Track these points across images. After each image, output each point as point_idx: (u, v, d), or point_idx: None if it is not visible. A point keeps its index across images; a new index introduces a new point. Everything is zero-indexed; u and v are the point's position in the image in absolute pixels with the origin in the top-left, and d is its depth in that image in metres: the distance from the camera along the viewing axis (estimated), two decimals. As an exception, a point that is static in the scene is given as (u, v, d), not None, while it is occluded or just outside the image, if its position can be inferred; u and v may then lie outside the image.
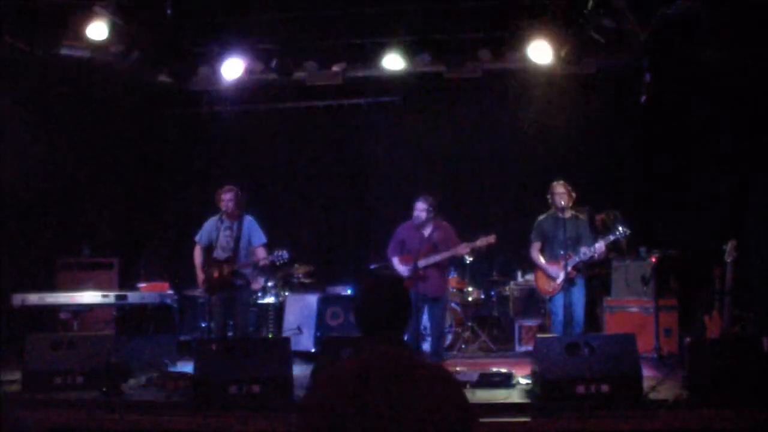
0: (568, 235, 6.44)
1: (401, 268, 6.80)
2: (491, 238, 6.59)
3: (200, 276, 6.82)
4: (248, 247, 6.82)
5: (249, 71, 8.26)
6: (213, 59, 8.18)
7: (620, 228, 6.51)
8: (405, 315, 2.42)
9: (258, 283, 7.98)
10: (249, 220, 6.88)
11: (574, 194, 6.61)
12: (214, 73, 8.24)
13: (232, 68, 8.01)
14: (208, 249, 6.80)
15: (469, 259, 8.45)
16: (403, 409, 2.15)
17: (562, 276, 6.40)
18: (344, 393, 2.20)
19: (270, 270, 7.98)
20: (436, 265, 6.67)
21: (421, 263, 6.56)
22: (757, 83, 7.06)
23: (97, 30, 7.18)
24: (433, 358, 6.78)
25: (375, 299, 2.41)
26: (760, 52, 6.81)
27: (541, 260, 6.65)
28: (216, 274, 6.68)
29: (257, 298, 8.13)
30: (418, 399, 2.17)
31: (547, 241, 6.66)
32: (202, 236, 6.90)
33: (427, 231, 6.72)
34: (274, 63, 8.05)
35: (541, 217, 6.76)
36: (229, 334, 6.92)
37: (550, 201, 6.66)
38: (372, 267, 8.55)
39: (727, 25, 6.82)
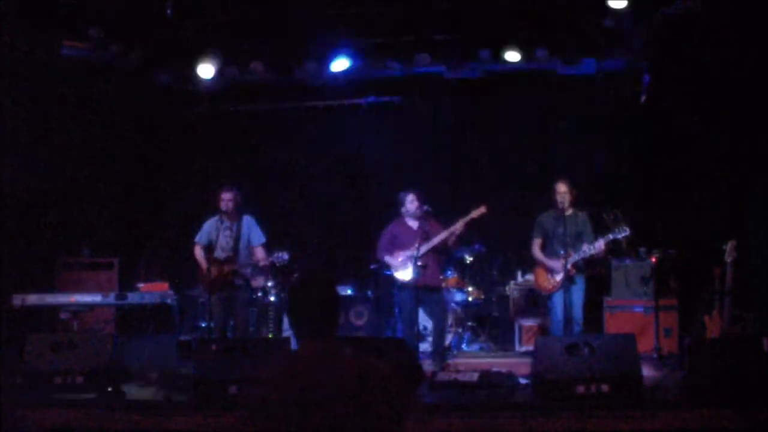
0: (569, 232, 6.46)
1: (396, 262, 6.79)
2: (482, 209, 6.65)
3: (204, 267, 6.83)
4: (248, 246, 6.84)
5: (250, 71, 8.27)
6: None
7: (622, 227, 6.53)
8: (334, 314, 2.40)
9: (257, 282, 7.98)
10: (248, 220, 6.89)
11: (575, 191, 6.63)
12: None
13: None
14: (209, 249, 6.81)
15: (469, 259, 8.44)
16: (334, 406, 2.17)
17: (562, 274, 6.40)
18: (280, 392, 2.23)
19: (270, 271, 7.98)
20: (433, 254, 6.69)
21: (421, 251, 6.56)
22: (757, 83, 7.06)
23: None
24: (434, 358, 6.77)
25: (303, 299, 2.39)
26: (760, 52, 6.81)
27: (542, 256, 6.67)
28: (216, 273, 6.70)
29: (257, 298, 8.13)
30: (350, 396, 2.18)
31: (548, 238, 6.68)
32: (201, 237, 6.92)
33: (415, 224, 6.75)
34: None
35: (542, 215, 6.78)
36: (228, 334, 6.93)
37: (553, 199, 6.66)
38: (372, 267, 8.54)
39: (727, 25, 6.82)
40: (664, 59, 7.82)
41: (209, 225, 6.90)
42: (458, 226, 6.65)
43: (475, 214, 6.65)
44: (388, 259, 6.88)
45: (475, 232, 7.84)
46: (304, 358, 2.35)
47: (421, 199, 6.82)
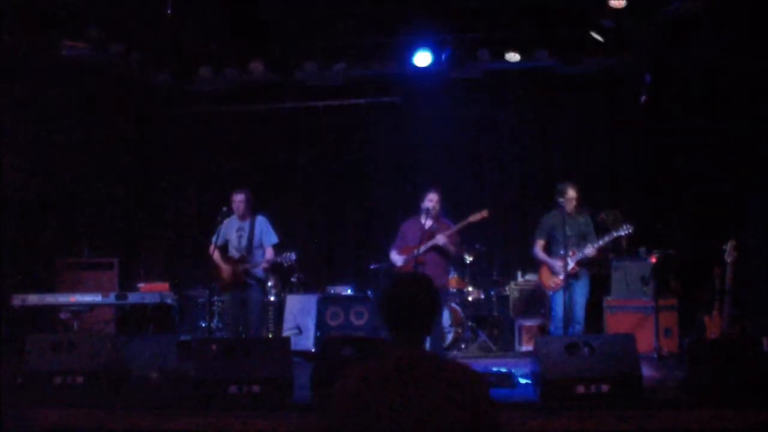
0: (575, 233, 6.48)
1: (397, 257, 6.72)
2: (484, 213, 6.58)
3: (220, 267, 6.87)
4: (261, 247, 6.92)
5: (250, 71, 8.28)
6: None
7: (624, 224, 6.55)
8: (432, 313, 2.37)
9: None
10: (261, 221, 7.00)
11: (580, 195, 6.65)
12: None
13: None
14: (223, 248, 6.93)
15: (469, 259, 8.44)
16: (429, 409, 2.16)
17: (563, 273, 6.40)
18: (372, 394, 2.20)
19: (274, 270, 8.01)
20: (435, 254, 6.61)
21: (421, 249, 6.53)
22: (757, 83, 7.06)
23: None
24: None
25: (401, 295, 2.36)
26: (760, 52, 6.81)
27: (544, 255, 6.66)
28: (229, 273, 6.79)
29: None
30: (445, 399, 2.18)
31: (553, 239, 6.66)
32: (217, 239, 6.99)
33: (428, 223, 6.68)
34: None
35: (546, 215, 6.76)
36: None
37: (558, 201, 6.63)
38: (372, 267, 8.55)
39: (727, 25, 6.83)
40: (664, 59, 7.82)
41: (224, 226, 6.94)
42: (455, 227, 6.60)
43: (475, 217, 6.60)
44: (392, 253, 6.83)
45: (476, 232, 7.83)
46: (400, 360, 2.30)
47: (440, 198, 6.74)
